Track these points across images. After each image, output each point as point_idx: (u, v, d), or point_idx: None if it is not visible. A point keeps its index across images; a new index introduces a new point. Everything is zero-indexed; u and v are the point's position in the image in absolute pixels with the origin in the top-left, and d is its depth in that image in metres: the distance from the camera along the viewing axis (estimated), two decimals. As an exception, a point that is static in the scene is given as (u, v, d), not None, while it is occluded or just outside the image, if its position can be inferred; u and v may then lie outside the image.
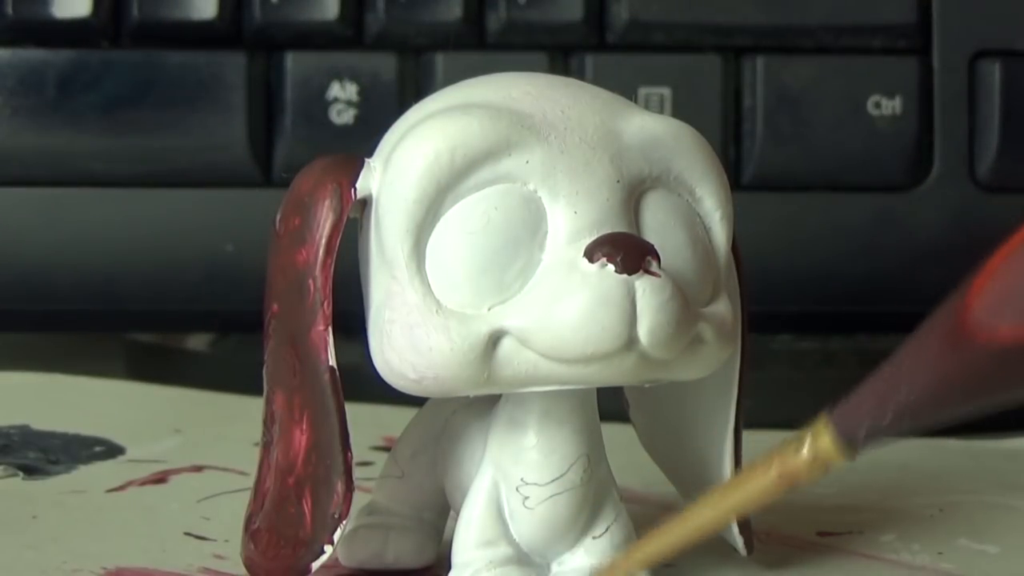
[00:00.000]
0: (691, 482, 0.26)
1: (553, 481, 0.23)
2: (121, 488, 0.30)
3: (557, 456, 0.23)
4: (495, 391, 0.22)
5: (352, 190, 0.22)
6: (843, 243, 0.39)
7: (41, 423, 0.36)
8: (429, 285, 0.21)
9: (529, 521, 0.23)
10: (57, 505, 0.29)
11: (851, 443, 0.21)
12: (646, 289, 0.21)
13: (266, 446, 0.23)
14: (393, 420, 0.33)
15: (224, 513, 0.28)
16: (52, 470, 0.32)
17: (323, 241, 0.22)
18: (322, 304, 0.22)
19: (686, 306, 0.22)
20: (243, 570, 0.24)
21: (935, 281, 0.39)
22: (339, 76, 0.38)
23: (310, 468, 0.22)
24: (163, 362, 0.44)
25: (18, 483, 0.31)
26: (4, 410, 0.37)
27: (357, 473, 0.22)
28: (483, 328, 0.21)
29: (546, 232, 0.22)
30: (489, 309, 0.21)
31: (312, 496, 0.22)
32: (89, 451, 0.34)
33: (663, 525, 0.22)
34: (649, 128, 0.23)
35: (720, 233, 0.23)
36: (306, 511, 0.22)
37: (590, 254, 0.21)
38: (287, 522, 0.22)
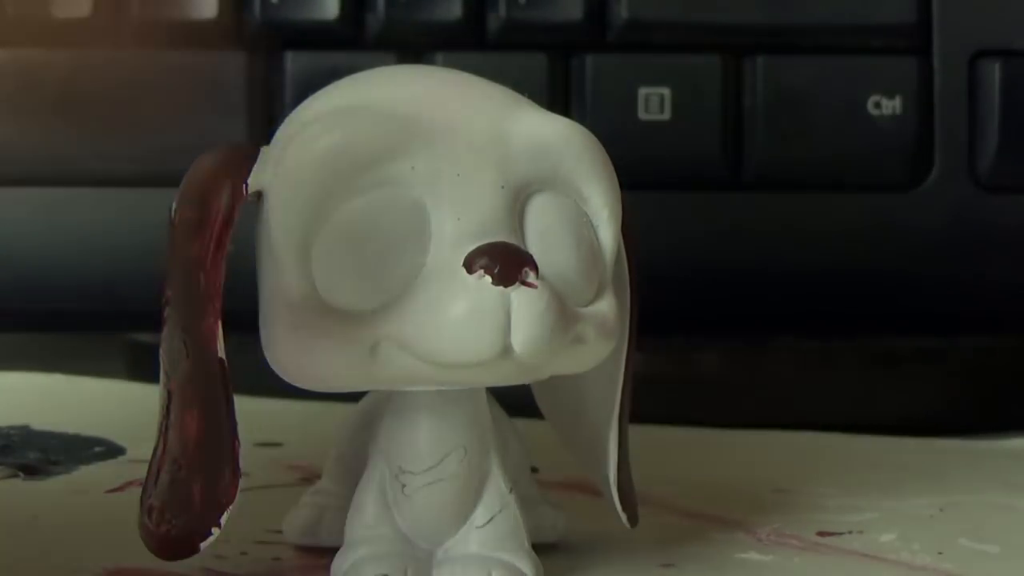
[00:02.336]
0: (586, 458, 0.26)
1: (427, 470, 0.23)
2: (121, 488, 0.30)
3: (431, 446, 0.23)
4: (378, 388, 0.23)
5: (245, 186, 0.22)
6: (843, 243, 0.39)
7: (41, 423, 0.36)
8: (314, 286, 0.22)
9: (408, 508, 0.23)
10: (57, 505, 0.29)
11: None
12: (521, 301, 0.21)
13: (162, 426, 0.23)
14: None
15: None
16: (52, 470, 0.32)
17: (214, 237, 0.22)
18: (212, 299, 0.22)
19: (563, 313, 0.22)
20: (244, 571, 0.25)
21: (935, 281, 0.39)
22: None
23: (200, 454, 0.23)
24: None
25: (18, 484, 0.31)
26: (4, 410, 0.37)
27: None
28: (364, 331, 0.22)
29: (430, 237, 0.22)
30: (372, 312, 0.22)
31: (202, 480, 0.22)
32: (89, 451, 0.34)
33: None
34: (537, 132, 0.23)
35: (607, 231, 0.24)
36: (195, 493, 0.22)
37: (468, 265, 0.21)
38: (178, 502, 0.23)
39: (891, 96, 0.39)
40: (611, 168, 0.24)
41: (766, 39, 0.39)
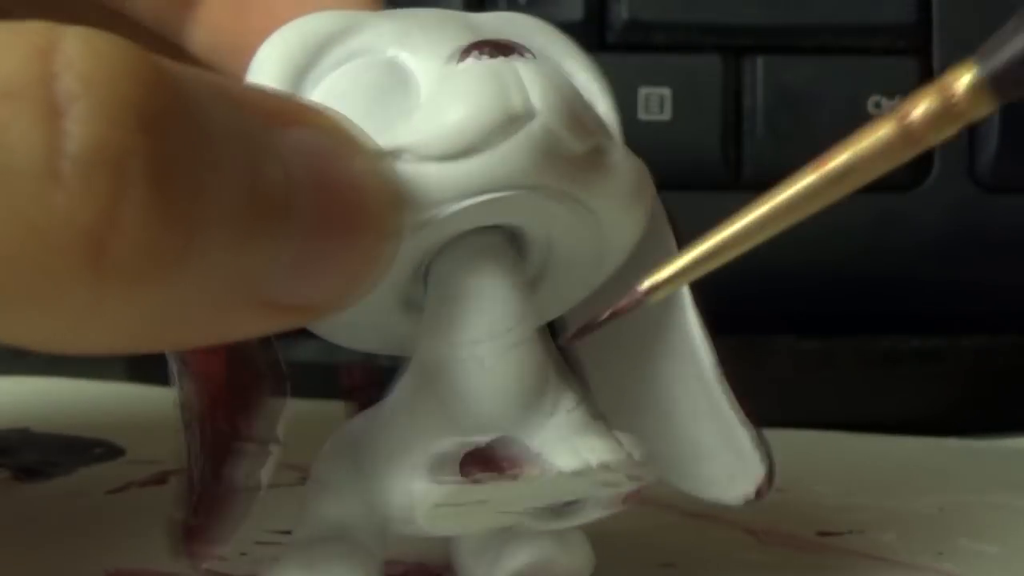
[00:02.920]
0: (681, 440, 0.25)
1: (509, 331, 0.21)
2: (121, 489, 0.30)
3: (504, 309, 0.22)
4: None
5: None
6: (843, 243, 0.39)
7: (41, 425, 0.36)
8: None
9: (487, 382, 0.21)
10: (57, 507, 0.29)
11: (999, 84, 0.18)
12: (529, 67, 0.21)
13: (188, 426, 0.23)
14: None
15: (224, 514, 0.28)
16: (52, 472, 0.32)
17: None
18: None
19: (578, 96, 0.22)
20: (244, 570, 0.24)
21: (935, 281, 0.39)
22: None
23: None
24: (163, 363, 0.43)
25: (18, 486, 0.31)
26: (4, 413, 0.37)
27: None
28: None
29: (417, 83, 0.21)
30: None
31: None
32: (89, 453, 0.34)
33: (748, 206, 0.20)
34: (495, 16, 0.23)
35: (603, 103, 0.23)
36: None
37: (462, 58, 0.21)
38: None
39: (891, 96, 0.39)
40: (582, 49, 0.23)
41: (766, 39, 0.39)
